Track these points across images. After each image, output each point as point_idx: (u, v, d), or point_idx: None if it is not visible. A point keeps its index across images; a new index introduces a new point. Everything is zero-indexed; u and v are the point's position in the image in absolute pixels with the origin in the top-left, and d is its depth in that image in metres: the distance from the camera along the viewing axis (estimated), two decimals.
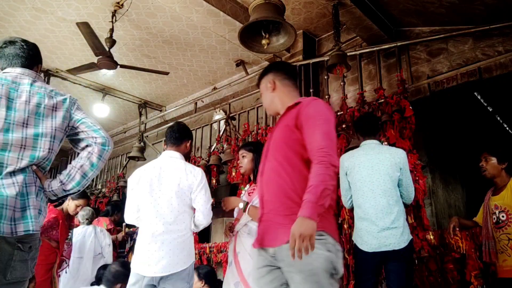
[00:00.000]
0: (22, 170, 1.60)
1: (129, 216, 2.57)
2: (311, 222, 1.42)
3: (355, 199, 2.83)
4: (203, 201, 2.52)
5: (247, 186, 2.78)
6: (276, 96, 1.92)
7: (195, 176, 2.53)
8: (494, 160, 2.89)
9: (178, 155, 2.62)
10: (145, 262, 2.36)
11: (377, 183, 2.74)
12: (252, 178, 2.74)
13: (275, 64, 2.11)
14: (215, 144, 5.49)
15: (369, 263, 2.70)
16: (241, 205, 2.55)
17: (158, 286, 2.36)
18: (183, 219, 2.47)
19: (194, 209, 2.57)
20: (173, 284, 2.34)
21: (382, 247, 2.63)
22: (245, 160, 2.71)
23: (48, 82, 6.03)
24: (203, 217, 2.52)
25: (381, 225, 2.65)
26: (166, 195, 2.46)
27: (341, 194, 3.02)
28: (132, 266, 2.43)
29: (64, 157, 8.35)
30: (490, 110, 5.94)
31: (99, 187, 7.48)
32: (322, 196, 1.46)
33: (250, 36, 3.63)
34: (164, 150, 2.74)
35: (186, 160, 2.72)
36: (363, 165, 2.80)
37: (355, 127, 3.17)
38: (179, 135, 2.68)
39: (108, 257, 4.48)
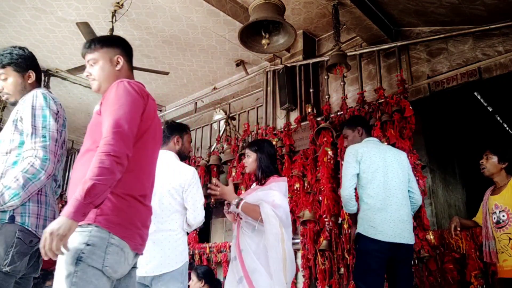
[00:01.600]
0: None
1: None
2: (69, 222, 1.28)
3: (367, 189, 2.76)
4: (194, 200, 2.49)
5: (253, 185, 2.73)
6: (119, 78, 1.62)
7: (187, 175, 2.51)
8: (494, 158, 2.89)
9: (171, 154, 2.60)
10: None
11: (391, 176, 2.76)
12: (259, 177, 2.64)
13: (124, 40, 1.79)
14: (215, 144, 5.49)
15: (382, 254, 2.63)
16: (234, 201, 2.50)
17: (150, 286, 2.35)
18: (175, 219, 2.46)
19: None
20: (165, 284, 2.32)
21: (397, 237, 2.61)
22: (249, 159, 2.67)
23: (48, 82, 6.03)
24: (195, 216, 2.49)
25: (397, 216, 2.66)
26: (158, 195, 2.45)
27: (346, 179, 2.82)
28: None
29: None
30: (490, 110, 5.95)
31: None
32: (91, 194, 1.30)
33: (250, 36, 3.63)
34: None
35: (184, 156, 2.70)
36: (377, 156, 2.81)
37: (361, 122, 3.11)
38: (166, 133, 2.62)
39: None
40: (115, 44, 1.72)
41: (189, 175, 2.52)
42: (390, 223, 2.65)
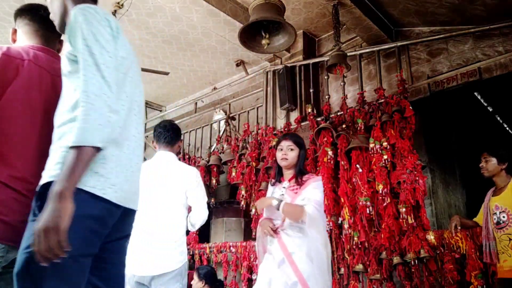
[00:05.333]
0: None
1: None
2: None
3: None
4: (198, 199, 2.51)
5: (285, 182, 2.52)
6: None
7: (190, 175, 2.53)
8: (494, 160, 2.89)
9: (172, 155, 2.61)
10: (136, 261, 2.36)
11: None
12: (296, 175, 2.49)
13: (23, 8, 1.66)
14: (215, 144, 5.49)
15: None
16: (274, 203, 2.34)
17: (149, 286, 2.35)
18: (176, 219, 2.47)
19: (189, 209, 2.57)
20: (164, 284, 2.33)
21: None
22: (292, 154, 2.49)
23: None
24: (199, 215, 2.51)
25: None
26: (160, 195, 2.46)
27: None
28: None
29: None
30: (490, 110, 5.95)
31: None
32: None
33: (250, 36, 3.64)
34: (155, 148, 2.72)
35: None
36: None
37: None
38: (173, 136, 2.62)
39: None
40: (15, 18, 1.63)
41: (193, 175, 2.54)
42: None
